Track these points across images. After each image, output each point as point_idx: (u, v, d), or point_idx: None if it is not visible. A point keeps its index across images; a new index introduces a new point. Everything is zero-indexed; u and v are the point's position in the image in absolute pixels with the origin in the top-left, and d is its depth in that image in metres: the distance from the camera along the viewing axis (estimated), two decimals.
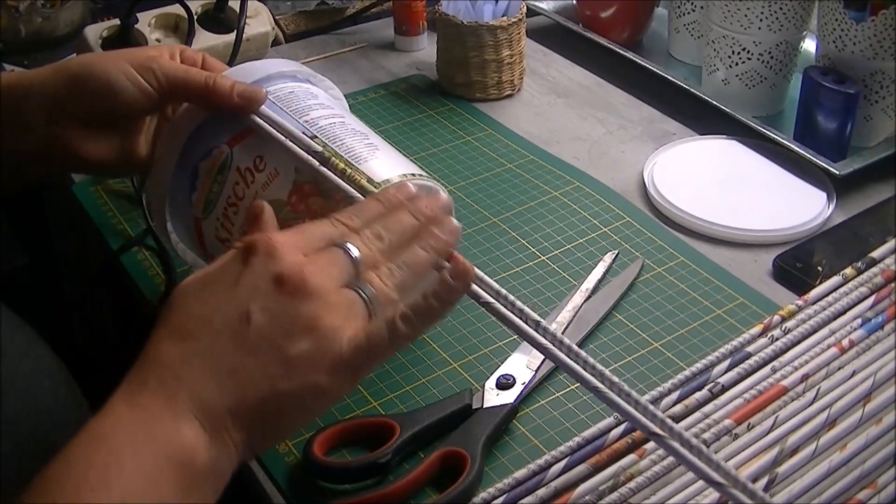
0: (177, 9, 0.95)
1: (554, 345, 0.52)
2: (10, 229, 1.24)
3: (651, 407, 0.50)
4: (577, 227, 0.80)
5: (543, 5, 1.12)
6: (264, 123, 0.61)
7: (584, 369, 0.51)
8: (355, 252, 0.49)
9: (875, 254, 0.69)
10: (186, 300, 0.48)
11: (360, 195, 0.57)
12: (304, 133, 0.61)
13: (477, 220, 0.81)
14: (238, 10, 0.95)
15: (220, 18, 0.98)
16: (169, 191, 0.64)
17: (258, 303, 0.46)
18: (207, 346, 0.45)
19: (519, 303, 0.53)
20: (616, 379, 0.51)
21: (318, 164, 0.59)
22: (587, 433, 0.58)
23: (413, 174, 0.62)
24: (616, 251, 0.76)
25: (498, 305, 0.53)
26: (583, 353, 0.52)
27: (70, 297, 1.14)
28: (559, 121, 0.95)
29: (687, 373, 0.62)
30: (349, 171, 0.59)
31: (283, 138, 0.60)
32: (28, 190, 0.84)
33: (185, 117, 0.63)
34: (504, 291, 0.54)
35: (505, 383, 0.63)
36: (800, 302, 0.66)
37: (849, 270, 0.68)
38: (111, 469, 0.42)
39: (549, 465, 0.57)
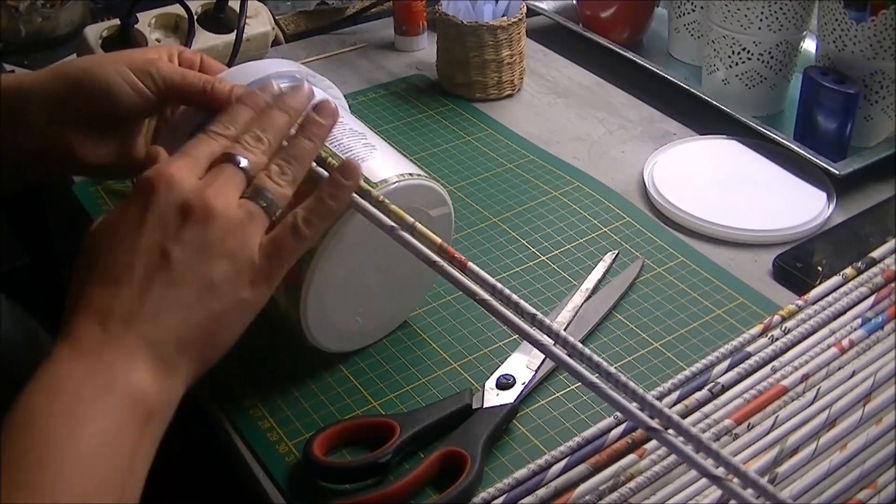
0: (177, 9, 0.95)
1: (549, 336, 0.52)
2: (10, 229, 1.24)
3: (649, 397, 0.50)
4: (577, 227, 0.80)
5: (543, 5, 1.12)
6: None
7: (581, 362, 0.51)
8: (244, 162, 0.53)
9: (875, 254, 0.69)
10: (102, 246, 0.50)
11: (355, 195, 0.58)
12: None
13: (477, 220, 0.81)
14: (238, 10, 0.95)
15: (220, 18, 0.98)
16: None
17: (171, 237, 0.50)
18: (139, 287, 0.49)
19: (514, 297, 0.54)
20: (612, 370, 0.51)
21: (314, 164, 0.59)
22: (587, 433, 0.58)
23: (411, 173, 0.63)
24: (616, 251, 0.76)
25: (493, 302, 0.53)
26: (579, 346, 0.52)
27: None
28: (559, 121, 0.95)
29: (687, 373, 0.62)
30: None
31: None
32: (26, 190, 0.84)
33: (183, 119, 0.63)
34: (500, 286, 0.54)
35: (505, 383, 0.63)
36: (800, 302, 0.66)
37: (849, 270, 0.68)
38: (74, 417, 0.44)
39: (549, 465, 0.57)
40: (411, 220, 0.57)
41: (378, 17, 1.15)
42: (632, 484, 0.54)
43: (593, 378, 0.51)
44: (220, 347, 0.52)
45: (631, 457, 0.56)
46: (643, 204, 0.83)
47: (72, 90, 0.61)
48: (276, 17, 1.09)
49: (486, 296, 0.54)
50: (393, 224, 0.57)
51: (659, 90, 0.98)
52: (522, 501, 0.55)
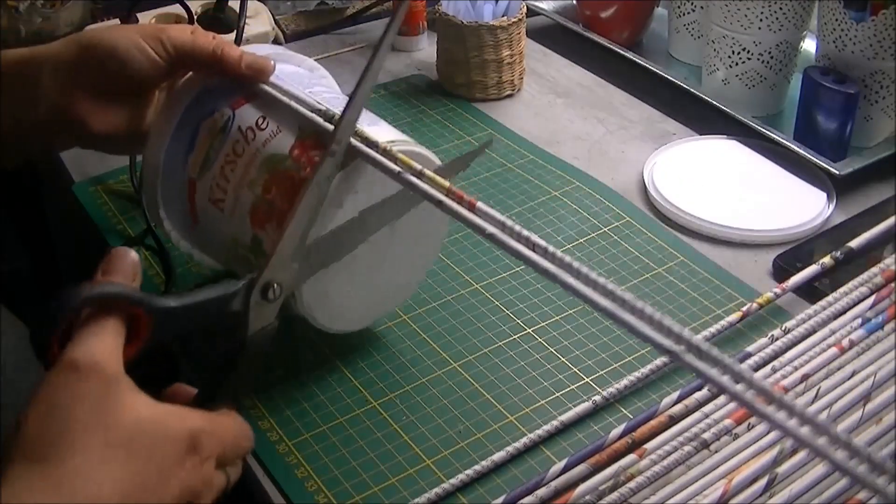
0: (177, 9, 0.95)
1: (561, 267, 0.49)
2: (11, 229, 1.24)
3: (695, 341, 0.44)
4: (577, 227, 0.80)
5: (543, 5, 1.12)
6: (269, 88, 0.63)
7: (596, 291, 0.47)
8: None
9: (853, 244, 0.70)
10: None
11: (363, 146, 0.58)
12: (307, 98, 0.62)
13: None
14: (238, 10, 0.95)
15: (220, 18, 0.98)
16: (164, 156, 0.64)
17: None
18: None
19: (525, 231, 0.52)
20: (629, 296, 0.46)
21: (322, 120, 0.59)
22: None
23: (412, 142, 0.64)
24: None
25: (502, 235, 0.52)
26: (592, 275, 0.48)
27: None
28: (559, 121, 0.95)
29: None
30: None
31: (286, 99, 0.62)
32: (29, 186, 0.84)
33: (184, 87, 0.64)
34: (509, 222, 0.52)
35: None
36: (777, 290, 0.67)
37: (826, 259, 0.70)
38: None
39: (549, 465, 0.57)
40: (419, 165, 0.57)
41: (378, 17, 1.15)
42: (632, 484, 0.54)
43: (605, 302, 0.47)
44: None
45: (631, 457, 0.56)
46: (643, 204, 0.83)
47: (83, 57, 0.62)
48: (276, 17, 1.09)
49: (493, 230, 0.52)
50: (399, 169, 0.57)
51: (659, 90, 0.98)
52: (522, 501, 0.55)
